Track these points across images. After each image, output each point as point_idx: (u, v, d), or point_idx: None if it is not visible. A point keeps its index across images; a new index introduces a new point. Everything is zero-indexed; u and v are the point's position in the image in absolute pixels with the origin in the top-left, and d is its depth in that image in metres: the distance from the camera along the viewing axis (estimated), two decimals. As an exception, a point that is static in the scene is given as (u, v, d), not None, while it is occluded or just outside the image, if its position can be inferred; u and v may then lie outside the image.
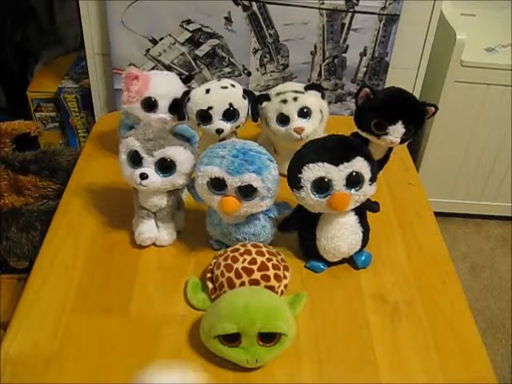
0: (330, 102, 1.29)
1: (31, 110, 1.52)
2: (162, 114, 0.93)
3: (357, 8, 1.22)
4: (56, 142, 1.57)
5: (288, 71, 1.31)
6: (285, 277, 0.75)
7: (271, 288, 0.72)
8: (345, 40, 1.27)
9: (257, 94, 0.96)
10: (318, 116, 0.93)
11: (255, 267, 0.72)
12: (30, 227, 1.07)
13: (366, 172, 0.73)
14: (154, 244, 0.85)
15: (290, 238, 0.85)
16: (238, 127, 0.94)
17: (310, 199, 0.73)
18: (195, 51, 1.27)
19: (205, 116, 0.91)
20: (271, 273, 0.72)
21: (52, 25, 1.67)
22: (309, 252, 0.82)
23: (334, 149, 0.73)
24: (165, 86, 0.94)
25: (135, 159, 0.76)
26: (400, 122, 0.82)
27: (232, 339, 0.65)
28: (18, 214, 1.08)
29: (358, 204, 0.75)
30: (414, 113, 0.84)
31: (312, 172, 0.72)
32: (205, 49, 1.27)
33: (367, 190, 0.74)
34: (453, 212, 1.78)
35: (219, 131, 0.91)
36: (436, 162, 1.63)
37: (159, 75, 0.97)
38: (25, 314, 0.74)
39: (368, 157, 0.74)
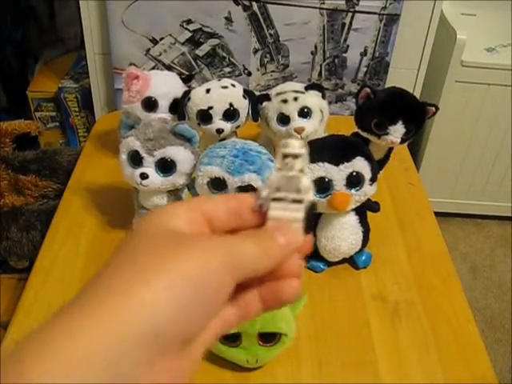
0: (330, 102, 1.28)
1: (31, 109, 1.52)
2: (163, 113, 0.93)
3: (357, 8, 1.22)
4: (56, 142, 1.57)
5: (288, 71, 1.31)
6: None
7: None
8: (345, 40, 1.27)
9: (257, 93, 0.96)
10: (318, 116, 0.93)
11: (255, 267, 0.72)
12: (30, 227, 1.07)
13: (367, 172, 0.73)
14: (154, 244, 0.85)
15: (290, 238, 0.84)
16: (238, 127, 0.94)
17: (311, 199, 0.73)
18: (195, 51, 1.27)
19: (205, 116, 0.91)
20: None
21: (52, 24, 1.67)
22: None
23: (334, 149, 0.73)
24: (165, 85, 0.94)
25: (135, 159, 0.76)
26: (400, 122, 0.82)
27: (232, 339, 0.65)
28: (18, 214, 1.08)
29: (358, 204, 0.75)
30: (414, 113, 0.84)
31: (312, 172, 0.72)
32: (205, 49, 1.27)
33: (367, 190, 0.74)
34: (453, 212, 1.78)
35: (219, 131, 0.91)
36: (436, 162, 1.64)
37: (159, 75, 0.97)
38: (25, 314, 0.74)
39: (368, 157, 0.74)
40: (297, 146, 0.31)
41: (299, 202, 0.30)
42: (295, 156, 0.30)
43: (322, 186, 0.72)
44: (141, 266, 0.25)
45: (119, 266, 0.26)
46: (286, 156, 0.31)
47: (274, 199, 0.30)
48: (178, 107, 0.93)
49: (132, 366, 0.23)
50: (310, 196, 0.30)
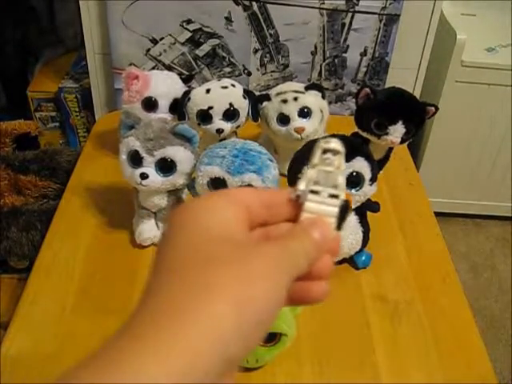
0: (330, 102, 1.28)
1: (31, 109, 1.52)
2: (163, 113, 0.93)
3: (357, 8, 1.22)
4: (56, 142, 1.57)
5: (288, 71, 1.31)
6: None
7: (271, 288, 0.72)
8: (345, 40, 1.27)
9: (257, 93, 0.96)
10: (318, 116, 0.93)
11: (255, 267, 0.72)
12: (30, 227, 1.07)
13: (367, 172, 0.73)
14: (154, 244, 0.85)
15: (290, 238, 0.84)
16: (238, 127, 0.94)
17: (311, 199, 0.73)
18: (195, 51, 1.27)
19: (205, 116, 0.91)
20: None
21: (52, 24, 1.67)
22: (309, 252, 0.82)
23: (334, 149, 0.73)
24: (165, 85, 0.94)
25: (135, 159, 0.76)
26: (400, 122, 0.82)
27: (232, 339, 0.64)
28: (18, 214, 1.08)
29: (358, 204, 0.75)
30: (414, 113, 0.84)
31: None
32: (205, 49, 1.27)
33: (367, 190, 0.74)
34: (453, 212, 1.78)
35: (219, 131, 0.91)
36: (436, 162, 1.64)
37: (159, 75, 0.97)
38: (25, 313, 0.74)
39: (368, 157, 0.74)
40: (338, 142, 0.32)
41: (336, 197, 0.32)
42: (335, 152, 0.31)
43: (322, 186, 0.72)
44: (205, 286, 0.24)
45: (182, 279, 0.25)
46: (325, 151, 0.32)
47: (312, 192, 0.31)
48: (178, 107, 0.93)
49: None
50: (344, 195, 0.32)
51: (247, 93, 0.94)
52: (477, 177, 1.68)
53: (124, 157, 0.77)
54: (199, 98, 0.91)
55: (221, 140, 0.82)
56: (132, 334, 0.23)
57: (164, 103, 0.93)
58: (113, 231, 0.88)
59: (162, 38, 1.25)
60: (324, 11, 1.22)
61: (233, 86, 0.93)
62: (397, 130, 0.83)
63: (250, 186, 0.72)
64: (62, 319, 0.73)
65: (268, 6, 1.21)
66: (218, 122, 0.91)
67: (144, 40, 1.25)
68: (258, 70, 1.30)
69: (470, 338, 0.74)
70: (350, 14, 1.23)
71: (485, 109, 1.52)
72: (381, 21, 1.24)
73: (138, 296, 0.25)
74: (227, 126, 0.91)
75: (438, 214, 0.97)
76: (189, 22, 1.23)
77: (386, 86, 1.31)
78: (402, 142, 0.85)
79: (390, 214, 0.94)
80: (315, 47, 1.27)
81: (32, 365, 0.67)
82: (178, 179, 0.78)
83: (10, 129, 1.16)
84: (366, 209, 0.79)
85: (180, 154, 0.76)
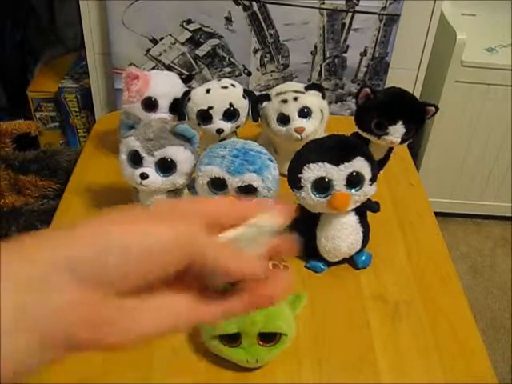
0: (330, 102, 1.28)
1: (31, 109, 1.52)
2: (163, 113, 0.93)
3: (357, 8, 1.22)
4: (56, 142, 1.57)
5: (288, 71, 1.31)
6: (285, 277, 0.75)
7: (271, 288, 0.72)
8: (345, 40, 1.27)
9: (257, 93, 0.96)
10: (318, 116, 0.93)
11: (255, 267, 0.72)
12: (30, 227, 1.07)
13: (367, 172, 0.73)
14: (154, 244, 0.85)
15: (290, 238, 0.84)
16: (238, 127, 0.94)
17: (311, 199, 0.73)
18: (195, 51, 1.27)
19: (205, 116, 0.91)
20: (271, 273, 0.72)
21: (52, 25, 1.67)
22: (309, 252, 0.82)
23: (334, 149, 0.73)
24: (165, 85, 0.94)
25: (135, 159, 0.76)
26: (400, 122, 0.82)
27: (232, 339, 0.65)
28: (18, 214, 1.08)
29: (358, 204, 0.75)
30: (414, 113, 0.84)
31: (312, 172, 0.72)
32: (205, 49, 1.27)
33: (367, 190, 0.74)
34: (453, 212, 1.78)
35: (219, 131, 0.91)
36: (436, 162, 1.64)
37: (160, 75, 0.97)
38: (25, 313, 0.74)
39: (368, 157, 0.74)
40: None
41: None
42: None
43: (322, 185, 0.72)
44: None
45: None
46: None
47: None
48: (178, 107, 0.93)
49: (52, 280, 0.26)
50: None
51: (247, 93, 0.94)
52: (477, 177, 1.68)
53: (124, 157, 0.77)
54: (199, 98, 0.91)
55: (221, 140, 0.82)
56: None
57: (164, 103, 0.93)
58: (113, 231, 0.87)
59: (162, 38, 1.25)
60: (324, 11, 1.22)
61: (233, 85, 0.93)
62: (397, 130, 0.83)
63: (250, 186, 0.72)
64: (62, 319, 0.73)
65: (268, 5, 1.21)
66: (218, 122, 0.91)
67: (144, 40, 1.25)
68: (258, 69, 1.30)
69: (470, 338, 0.74)
70: (349, 14, 1.23)
71: (485, 109, 1.52)
72: (381, 21, 1.24)
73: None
74: (227, 126, 0.91)
75: (437, 214, 0.97)
76: (189, 21, 1.23)
77: (386, 86, 1.31)
78: (402, 142, 0.85)
79: (390, 214, 0.94)
80: (315, 47, 1.27)
81: (32, 365, 0.67)
82: (178, 179, 0.78)
83: (10, 129, 1.17)
84: (366, 209, 0.79)
85: (180, 154, 0.76)
